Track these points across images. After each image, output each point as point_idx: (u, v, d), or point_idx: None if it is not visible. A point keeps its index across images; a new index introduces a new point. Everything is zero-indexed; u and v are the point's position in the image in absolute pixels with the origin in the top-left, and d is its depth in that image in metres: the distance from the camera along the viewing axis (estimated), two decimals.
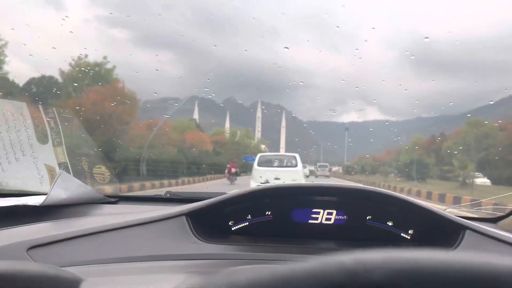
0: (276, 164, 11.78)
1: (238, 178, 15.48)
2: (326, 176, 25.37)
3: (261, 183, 9.99)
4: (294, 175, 10.45)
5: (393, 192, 1.08)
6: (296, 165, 11.16)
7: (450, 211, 1.28)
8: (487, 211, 1.34)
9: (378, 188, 1.09)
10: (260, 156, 11.88)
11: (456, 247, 0.94)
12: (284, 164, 11.71)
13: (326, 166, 29.37)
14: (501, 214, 1.24)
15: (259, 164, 11.15)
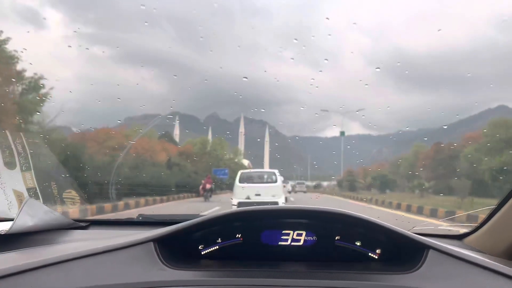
0: (256, 180, 12.14)
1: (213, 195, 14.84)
2: (304, 192, 27.79)
3: (244, 199, 10.22)
4: (274, 190, 10.95)
5: (359, 214, 1.10)
6: (275, 181, 11.59)
7: (416, 229, 1.31)
8: (453, 228, 1.38)
9: (344, 210, 1.11)
10: (242, 173, 12.17)
11: (419, 267, 0.96)
12: (265, 180, 12.10)
13: (303, 183, 32.46)
14: (466, 231, 1.28)
15: (241, 181, 11.43)
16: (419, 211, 11.93)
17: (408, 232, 1.07)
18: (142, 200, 12.27)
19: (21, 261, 0.92)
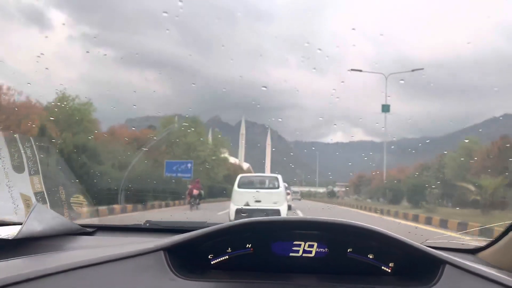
0: (257, 185, 11.21)
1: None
2: (298, 199, 28.05)
3: (242, 206, 9.29)
4: (276, 197, 10.08)
5: (372, 226, 1.08)
6: (278, 187, 10.69)
7: (429, 242, 1.28)
8: (467, 243, 1.35)
9: (357, 222, 1.09)
10: (241, 177, 11.20)
11: (435, 283, 0.94)
12: (266, 186, 11.23)
13: (298, 192, 33.58)
14: (480, 245, 1.25)
15: (240, 186, 10.53)
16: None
17: (421, 245, 1.05)
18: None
19: (28, 269, 0.90)
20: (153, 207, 13.01)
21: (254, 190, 10.45)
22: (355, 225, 1.09)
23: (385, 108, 21.89)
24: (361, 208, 18.81)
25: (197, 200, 12.94)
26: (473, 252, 1.25)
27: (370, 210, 17.83)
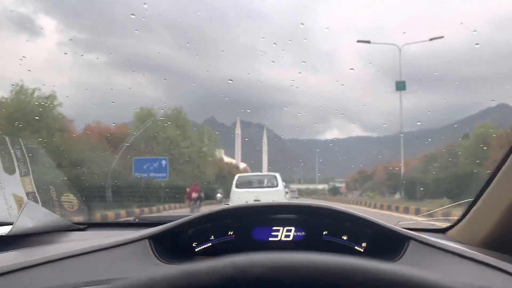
0: (255, 185, 11.15)
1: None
2: (296, 198, 26.76)
3: None
4: (275, 196, 9.89)
5: (345, 209, 1.16)
6: (277, 185, 10.58)
7: (401, 224, 1.36)
8: (438, 223, 1.43)
9: (331, 205, 1.16)
10: (239, 177, 11.11)
11: (400, 257, 1.01)
12: (264, 185, 11.09)
13: (295, 191, 33.56)
14: (449, 224, 1.33)
15: (238, 186, 10.52)
16: None
17: (390, 225, 1.12)
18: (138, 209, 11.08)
19: (20, 260, 0.96)
20: (151, 211, 12.63)
21: (253, 190, 10.36)
22: (330, 207, 1.16)
23: (400, 86, 18.32)
24: (381, 208, 15.80)
25: (198, 203, 12.65)
26: (442, 231, 1.33)
27: (394, 209, 14.62)
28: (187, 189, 12.99)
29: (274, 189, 10.45)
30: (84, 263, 0.99)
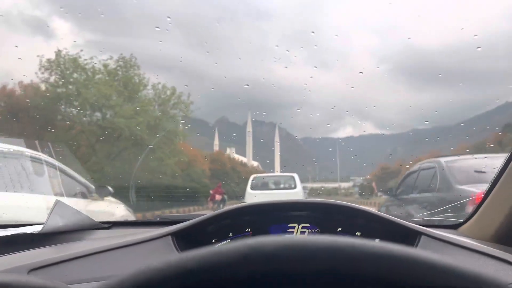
0: (272, 186, 10.59)
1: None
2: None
3: None
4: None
5: (359, 206, 1.20)
6: (295, 187, 9.95)
7: (413, 221, 1.40)
8: (451, 219, 1.46)
9: (346, 202, 1.21)
10: (254, 178, 10.49)
11: None
12: (282, 186, 10.50)
13: (306, 189, 30.95)
14: (461, 221, 1.36)
15: (253, 188, 9.93)
16: None
17: (402, 221, 1.16)
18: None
19: (53, 255, 1.04)
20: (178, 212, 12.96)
21: (269, 192, 9.92)
22: (343, 204, 1.21)
23: None
24: None
25: (221, 205, 12.33)
26: (454, 227, 1.36)
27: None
28: (211, 191, 12.90)
29: (292, 191, 9.88)
30: (111, 258, 1.06)
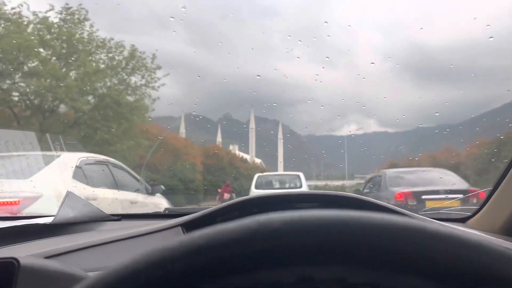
0: (277, 186, 10.54)
1: None
2: None
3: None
4: None
5: (367, 198, 1.21)
6: (300, 186, 9.86)
7: (423, 213, 1.40)
8: (459, 212, 1.47)
9: (353, 194, 1.22)
10: (258, 177, 10.37)
11: None
12: (287, 186, 10.43)
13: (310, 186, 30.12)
14: (469, 214, 1.36)
15: (257, 187, 9.83)
16: None
17: (411, 213, 1.17)
18: None
19: (66, 244, 1.05)
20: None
21: (274, 191, 9.55)
22: (351, 196, 1.22)
23: None
24: None
25: None
26: (462, 220, 1.36)
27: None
28: (219, 190, 12.74)
29: (298, 190, 9.83)
30: (122, 248, 1.08)
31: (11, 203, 2.77)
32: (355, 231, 0.37)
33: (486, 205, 1.24)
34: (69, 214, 1.32)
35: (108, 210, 1.48)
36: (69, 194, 1.34)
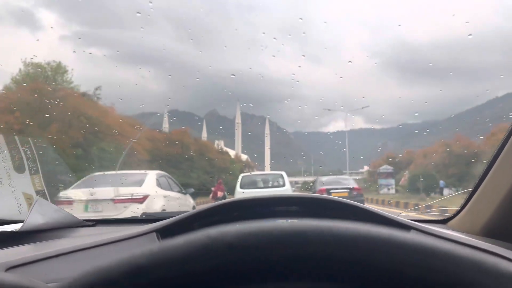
0: (260, 185, 10.88)
1: None
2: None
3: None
4: None
5: (348, 200, 1.19)
6: (283, 185, 10.30)
7: (404, 215, 1.39)
8: (439, 214, 1.46)
9: (332, 196, 1.19)
10: (243, 177, 10.88)
11: None
12: (270, 185, 10.84)
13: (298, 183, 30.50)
14: (450, 215, 1.35)
15: (242, 187, 10.27)
16: None
17: (392, 215, 1.15)
18: None
19: (34, 253, 1.00)
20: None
21: (258, 190, 10.11)
22: (332, 199, 1.19)
23: None
24: None
25: None
26: (443, 222, 1.35)
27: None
28: (212, 189, 12.88)
29: (281, 188, 10.28)
30: (94, 256, 1.02)
31: (133, 200, 5.67)
32: (312, 242, 0.35)
33: (467, 206, 1.24)
34: (39, 220, 1.26)
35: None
36: (38, 200, 1.28)
